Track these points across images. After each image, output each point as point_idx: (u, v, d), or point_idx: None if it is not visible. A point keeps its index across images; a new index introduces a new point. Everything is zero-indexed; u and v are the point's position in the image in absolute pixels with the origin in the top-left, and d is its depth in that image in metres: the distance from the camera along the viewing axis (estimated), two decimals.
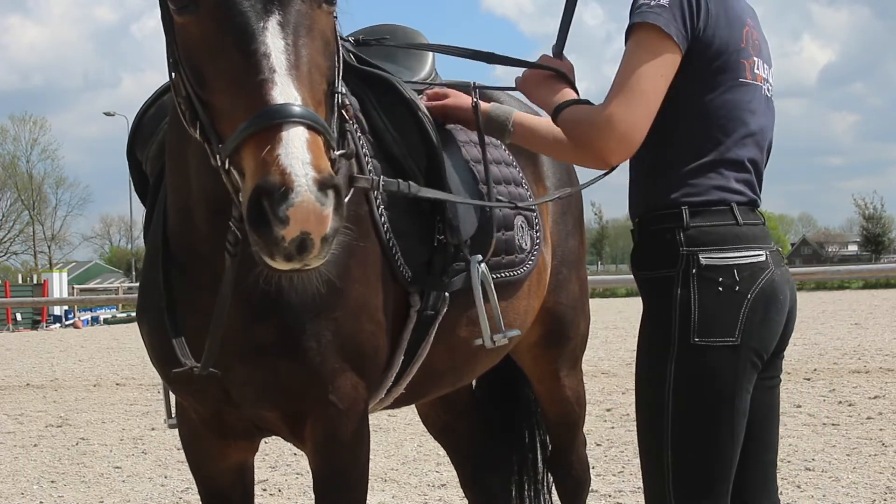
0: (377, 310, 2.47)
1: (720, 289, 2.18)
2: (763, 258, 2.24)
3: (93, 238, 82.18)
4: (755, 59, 2.28)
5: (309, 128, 1.74)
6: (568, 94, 2.39)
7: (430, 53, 3.17)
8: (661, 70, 2.16)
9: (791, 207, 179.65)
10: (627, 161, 2.33)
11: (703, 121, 2.23)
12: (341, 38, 2.68)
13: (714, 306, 2.18)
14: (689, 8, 2.16)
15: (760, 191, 2.34)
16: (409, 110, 2.67)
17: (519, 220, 3.00)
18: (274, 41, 1.80)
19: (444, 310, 2.65)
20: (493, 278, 2.83)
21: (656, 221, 2.27)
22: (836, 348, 13.55)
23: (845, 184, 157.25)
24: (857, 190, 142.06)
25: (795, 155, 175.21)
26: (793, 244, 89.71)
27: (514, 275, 2.96)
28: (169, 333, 2.42)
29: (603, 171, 2.37)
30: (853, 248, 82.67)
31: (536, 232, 3.08)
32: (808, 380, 10.21)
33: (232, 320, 2.34)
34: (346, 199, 1.84)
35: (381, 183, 2.11)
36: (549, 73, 2.47)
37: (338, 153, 1.91)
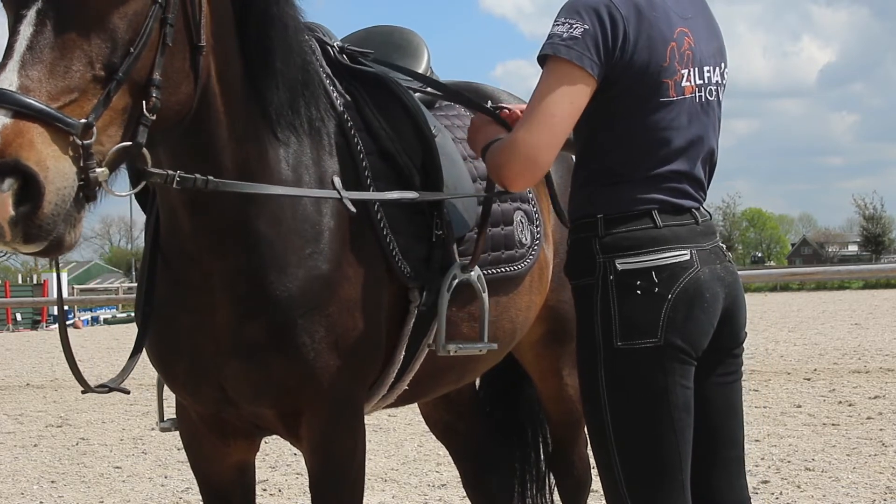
0: (373, 307, 2.48)
1: (638, 292, 2.22)
2: (686, 257, 2.25)
3: (93, 238, 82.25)
4: (683, 71, 2.27)
5: (17, 115, 1.75)
6: (496, 134, 2.43)
7: (425, 53, 3.19)
8: (570, 97, 2.19)
9: (791, 207, 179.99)
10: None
11: (624, 142, 2.26)
12: (316, 38, 2.70)
13: (634, 309, 2.22)
14: (603, 37, 2.17)
15: (701, 192, 2.35)
16: (403, 107, 2.67)
17: (518, 216, 3.01)
18: (25, 28, 1.83)
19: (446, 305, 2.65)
20: (492, 273, 2.84)
21: (576, 231, 2.33)
22: (836, 348, 13.56)
23: (845, 184, 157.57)
24: (857, 190, 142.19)
25: (795, 155, 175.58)
26: (793, 244, 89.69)
27: (515, 270, 2.96)
28: (165, 332, 2.46)
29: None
30: (853, 248, 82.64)
31: (537, 227, 3.08)
32: (808, 380, 10.21)
33: (223, 318, 2.35)
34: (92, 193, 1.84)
35: (177, 178, 2.08)
36: (489, 121, 2.54)
37: (123, 145, 1.90)
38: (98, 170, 1.84)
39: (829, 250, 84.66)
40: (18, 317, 35.87)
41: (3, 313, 34.33)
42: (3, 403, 10.85)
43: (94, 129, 1.83)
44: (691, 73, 2.29)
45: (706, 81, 2.32)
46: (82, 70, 1.85)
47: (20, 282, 52.46)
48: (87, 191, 1.84)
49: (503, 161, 2.24)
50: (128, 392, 2.39)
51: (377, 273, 2.50)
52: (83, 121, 1.82)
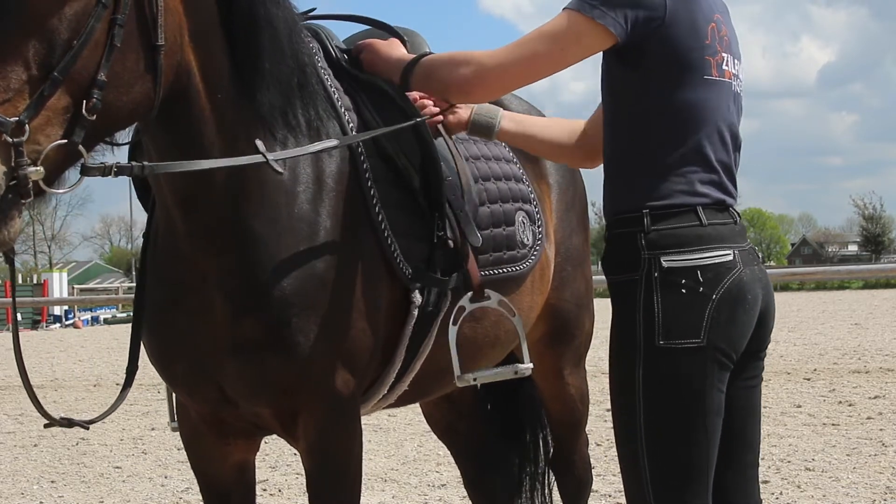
0: (371, 307, 2.47)
1: (683, 291, 2.18)
2: (730, 258, 2.23)
3: (93, 238, 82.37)
4: (723, 55, 2.25)
5: None
6: (408, 57, 2.49)
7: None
8: (567, 44, 2.20)
9: (791, 207, 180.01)
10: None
11: (666, 121, 2.22)
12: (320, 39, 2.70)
13: (678, 308, 2.18)
14: (634, 2, 2.16)
15: (735, 188, 2.33)
16: (400, 110, 2.66)
17: (520, 216, 3.01)
18: None
19: (446, 306, 2.66)
20: (494, 274, 2.84)
21: (619, 225, 2.28)
22: (836, 348, 13.56)
23: (845, 184, 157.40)
24: (856, 190, 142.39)
25: (795, 155, 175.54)
26: (793, 244, 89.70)
27: (516, 270, 2.96)
28: (164, 332, 2.47)
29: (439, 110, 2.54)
30: (853, 248, 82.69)
31: (538, 227, 3.08)
32: (808, 380, 10.21)
33: (219, 315, 2.36)
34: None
35: (115, 169, 2.09)
36: (392, 41, 2.58)
37: (56, 143, 1.91)
38: (31, 168, 1.85)
39: (829, 250, 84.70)
40: (19, 317, 35.85)
41: (4, 313, 34.34)
42: (3, 403, 10.85)
43: (28, 127, 1.84)
44: (728, 60, 2.27)
45: (736, 73, 2.31)
46: (18, 70, 1.86)
47: (20, 282, 52.48)
48: (21, 189, 1.85)
49: (460, 65, 2.28)
50: (86, 428, 2.42)
51: (375, 274, 2.50)
52: (14, 119, 1.82)
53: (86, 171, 2.04)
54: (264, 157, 2.29)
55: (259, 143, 2.33)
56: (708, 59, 2.21)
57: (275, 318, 2.34)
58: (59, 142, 1.92)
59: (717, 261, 2.21)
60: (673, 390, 2.19)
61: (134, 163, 2.13)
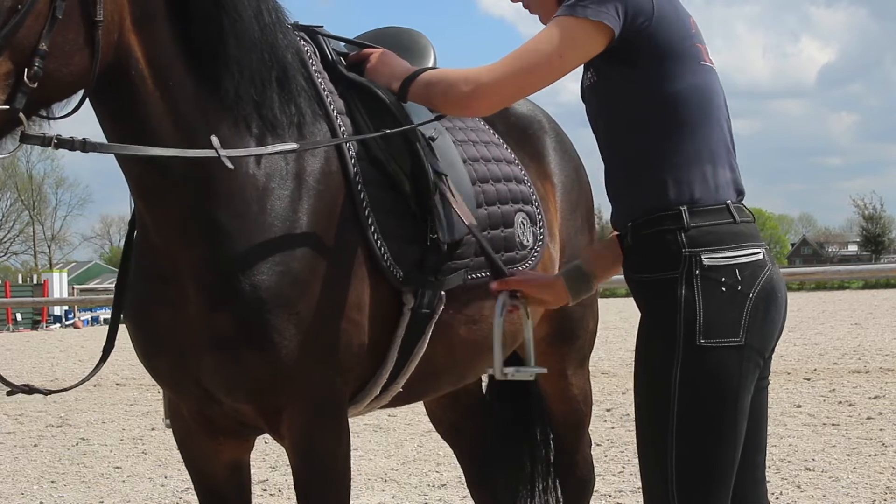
0: (354, 308, 2.46)
1: (723, 289, 2.18)
2: (761, 256, 2.24)
3: (93, 238, 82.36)
4: (704, 46, 2.30)
5: None
6: (412, 68, 2.50)
7: (432, 54, 3.16)
8: (564, 51, 2.20)
9: (791, 207, 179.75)
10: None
11: (675, 109, 2.22)
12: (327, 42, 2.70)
13: (718, 307, 2.17)
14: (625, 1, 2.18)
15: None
16: (392, 116, 2.65)
17: (520, 217, 3.00)
18: None
19: (441, 308, 2.65)
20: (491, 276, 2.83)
21: (653, 224, 2.25)
22: (836, 348, 13.58)
23: (845, 184, 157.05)
24: (856, 190, 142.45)
25: (795, 155, 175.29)
26: (793, 244, 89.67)
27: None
28: (147, 328, 2.49)
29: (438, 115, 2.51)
30: (853, 248, 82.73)
31: (540, 228, 3.08)
32: (808, 380, 10.22)
33: (195, 309, 2.36)
34: None
35: (55, 141, 2.11)
36: (397, 58, 2.60)
37: None
38: None
39: (829, 250, 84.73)
40: (18, 317, 35.91)
41: (3, 313, 34.36)
42: (3, 403, 10.85)
43: None
44: (708, 51, 2.31)
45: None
46: None
47: (20, 282, 52.51)
48: None
49: (460, 83, 2.28)
50: (45, 394, 2.46)
51: (359, 275, 2.48)
52: None
53: (25, 139, 2.07)
54: (217, 152, 2.27)
55: (214, 138, 2.30)
56: (699, 46, 2.26)
57: (246, 313, 2.33)
58: (1, 107, 1.96)
59: (752, 259, 2.22)
60: (710, 389, 2.17)
61: (75, 137, 2.15)
